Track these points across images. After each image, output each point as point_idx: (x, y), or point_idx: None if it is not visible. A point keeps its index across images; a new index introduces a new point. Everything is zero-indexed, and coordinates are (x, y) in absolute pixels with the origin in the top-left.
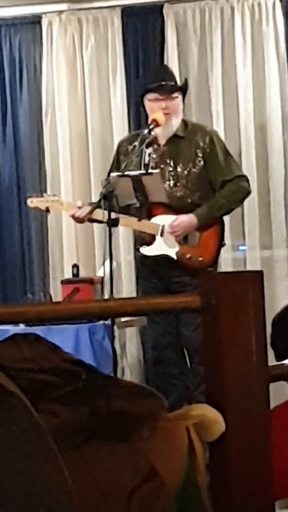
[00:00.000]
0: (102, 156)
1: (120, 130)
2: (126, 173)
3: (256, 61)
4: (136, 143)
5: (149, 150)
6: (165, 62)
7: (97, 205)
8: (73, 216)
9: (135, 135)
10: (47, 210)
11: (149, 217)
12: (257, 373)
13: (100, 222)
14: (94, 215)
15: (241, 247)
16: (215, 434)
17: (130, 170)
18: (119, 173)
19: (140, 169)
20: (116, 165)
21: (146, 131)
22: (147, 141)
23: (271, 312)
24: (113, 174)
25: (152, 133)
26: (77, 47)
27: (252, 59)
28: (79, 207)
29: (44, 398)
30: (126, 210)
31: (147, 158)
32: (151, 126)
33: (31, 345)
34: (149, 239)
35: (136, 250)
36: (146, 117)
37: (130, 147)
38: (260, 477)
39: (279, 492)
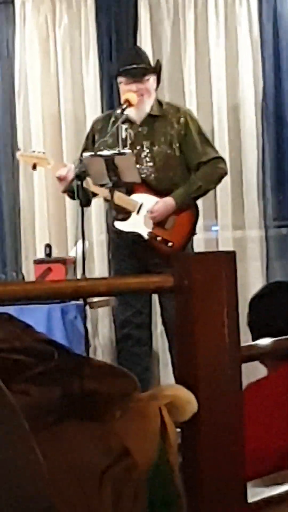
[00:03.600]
0: (75, 136)
1: (93, 110)
2: (98, 153)
3: (229, 41)
4: (111, 122)
5: (125, 125)
6: (138, 42)
7: (71, 181)
8: (59, 177)
9: (110, 115)
10: (34, 166)
11: (129, 193)
12: (230, 353)
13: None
14: (93, 189)
15: (213, 228)
16: (188, 414)
17: (105, 149)
18: (92, 153)
19: (115, 147)
20: (91, 143)
21: (119, 111)
22: (123, 118)
23: (244, 292)
24: (86, 154)
25: (125, 113)
26: (50, 27)
27: (225, 39)
28: (65, 165)
29: (16, 377)
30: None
31: (124, 134)
32: (123, 106)
33: (3, 325)
34: (124, 216)
35: (111, 225)
36: (119, 97)
37: (105, 126)
38: (232, 458)
39: (250, 472)
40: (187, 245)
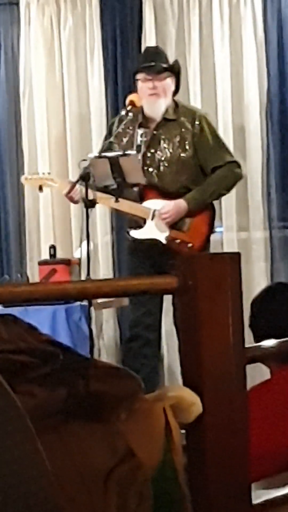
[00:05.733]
0: (79, 136)
1: (98, 110)
2: (103, 154)
3: (234, 43)
4: (116, 122)
5: (141, 131)
6: (142, 43)
7: (75, 184)
8: (67, 195)
9: (120, 116)
10: (40, 188)
11: (141, 200)
12: (234, 354)
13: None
14: (100, 201)
15: (218, 229)
16: (192, 415)
17: (119, 150)
18: (97, 154)
19: (129, 149)
20: (108, 145)
21: (123, 112)
22: (138, 122)
23: (248, 294)
24: (91, 155)
25: (130, 113)
26: (54, 28)
27: (230, 41)
28: (71, 183)
29: (21, 379)
30: (106, 191)
31: (139, 139)
32: (128, 107)
33: (8, 326)
34: (140, 223)
35: (126, 233)
36: (124, 97)
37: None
38: (237, 459)
39: (255, 474)
40: (207, 244)
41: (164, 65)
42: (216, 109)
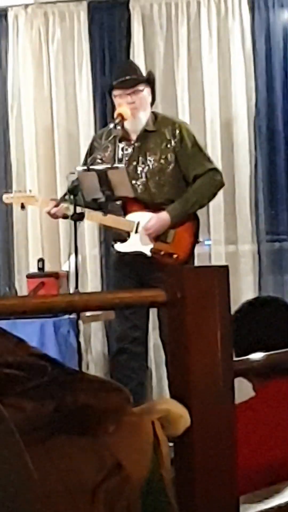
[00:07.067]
0: (67, 150)
1: (86, 124)
2: (91, 167)
3: (222, 56)
4: (104, 136)
5: (122, 144)
6: (131, 57)
7: (62, 199)
8: (49, 213)
9: (109, 130)
10: (22, 206)
11: (124, 214)
12: (223, 367)
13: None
14: (88, 218)
15: (206, 242)
16: (180, 428)
17: (102, 164)
18: (85, 168)
19: (113, 163)
20: (91, 160)
21: (112, 125)
22: (119, 136)
23: (236, 307)
24: (79, 168)
25: (118, 127)
26: (43, 41)
27: (218, 54)
28: (53, 200)
29: (9, 392)
30: (94, 205)
31: (120, 153)
32: (117, 121)
33: None
34: (124, 236)
35: (111, 246)
36: (112, 111)
37: (103, 142)
38: (225, 472)
39: (241, 488)
40: (192, 255)
41: (138, 77)
42: (204, 123)
